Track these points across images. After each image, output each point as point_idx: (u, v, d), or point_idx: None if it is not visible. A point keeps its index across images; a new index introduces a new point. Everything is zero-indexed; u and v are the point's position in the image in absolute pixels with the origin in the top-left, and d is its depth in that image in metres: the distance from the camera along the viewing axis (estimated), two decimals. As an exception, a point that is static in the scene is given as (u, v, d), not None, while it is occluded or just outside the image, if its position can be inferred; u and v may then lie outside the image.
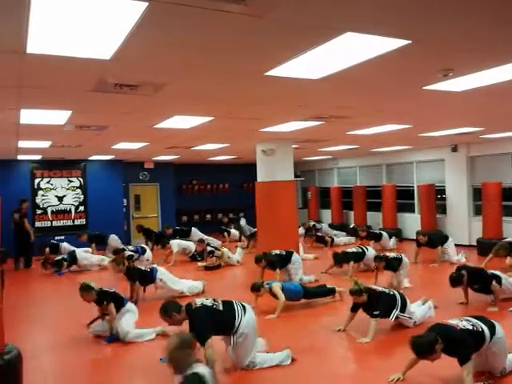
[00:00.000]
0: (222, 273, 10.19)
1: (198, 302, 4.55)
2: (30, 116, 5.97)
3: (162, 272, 7.58)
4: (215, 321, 4.42)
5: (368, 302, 5.48)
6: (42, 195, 13.27)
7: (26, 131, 7.31)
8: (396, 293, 5.75)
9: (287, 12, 2.75)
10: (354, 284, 5.60)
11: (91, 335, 5.79)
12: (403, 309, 5.61)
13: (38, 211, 13.18)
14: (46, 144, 9.21)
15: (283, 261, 8.25)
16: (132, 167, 14.89)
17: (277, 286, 6.56)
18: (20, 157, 12.02)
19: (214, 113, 6.29)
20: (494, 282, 6.38)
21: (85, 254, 10.89)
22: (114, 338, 5.60)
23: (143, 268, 7.66)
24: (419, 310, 5.86)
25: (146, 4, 2.58)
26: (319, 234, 13.99)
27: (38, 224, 12.96)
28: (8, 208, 10.36)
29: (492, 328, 4.06)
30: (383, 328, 5.62)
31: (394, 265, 7.72)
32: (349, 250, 9.51)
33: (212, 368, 4.02)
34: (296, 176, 11.48)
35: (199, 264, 10.60)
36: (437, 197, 13.22)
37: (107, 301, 5.68)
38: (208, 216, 17.56)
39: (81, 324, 6.30)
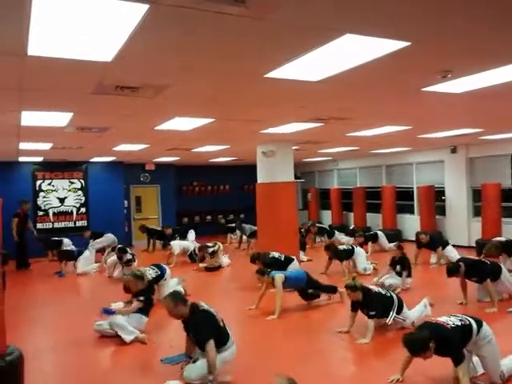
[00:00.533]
0: (221, 273, 10.22)
1: (205, 305, 4.48)
2: (31, 118, 6.00)
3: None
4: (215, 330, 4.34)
5: (363, 301, 5.50)
6: (44, 197, 13.30)
7: (27, 133, 7.34)
8: (393, 294, 5.78)
9: (287, 14, 2.78)
10: (351, 280, 5.67)
11: (97, 334, 5.81)
12: (399, 310, 5.63)
13: (40, 213, 13.21)
14: (47, 146, 9.24)
15: (280, 265, 7.72)
16: (133, 169, 14.93)
17: (279, 278, 6.58)
18: (21, 158, 12.05)
19: (215, 115, 6.32)
20: (488, 280, 6.47)
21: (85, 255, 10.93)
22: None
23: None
24: (415, 311, 5.88)
25: (146, 6, 2.61)
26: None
27: (39, 226, 12.99)
28: (9, 210, 10.40)
29: (479, 322, 4.03)
30: (381, 328, 5.64)
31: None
32: (340, 247, 9.67)
33: (212, 372, 4.06)
34: (296, 177, 11.51)
35: (200, 265, 10.61)
36: (437, 198, 13.25)
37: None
38: (208, 217, 17.58)
39: (82, 325, 6.34)
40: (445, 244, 9.91)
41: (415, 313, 5.83)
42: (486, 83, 4.76)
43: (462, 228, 12.65)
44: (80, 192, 13.73)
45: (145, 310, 5.85)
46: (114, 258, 9.80)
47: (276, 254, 8.06)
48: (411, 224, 13.95)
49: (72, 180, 13.65)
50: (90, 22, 2.85)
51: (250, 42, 3.32)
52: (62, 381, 4.79)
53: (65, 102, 5.17)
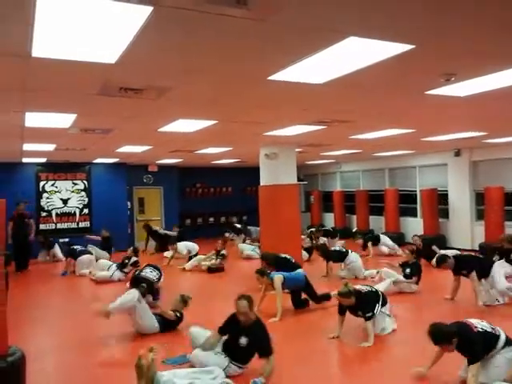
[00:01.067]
0: (224, 275, 10.21)
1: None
2: (34, 119, 6.01)
3: None
4: None
5: (356, 304, 5.46)
6: (47, 198, 13.33)
7: (30, 134, 7.36)
8: (378, 289, 5.88)
9: (290, 16, 2.78)
10: (343, 286, 5.58)
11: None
12: (384, 304, 5.69)
13: (43, 214, 13.25)
14: (50, 147, 9.26)
15: (290, 267, 7.74)
16: (136, 170, 14.95)
17: (278, 279, 6.58)
18: (25, 159, 12.09)
19: (218, 117, 6.32)
20: (473, 273, 6.58)
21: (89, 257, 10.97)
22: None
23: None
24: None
25: (150, 8, 2.62)
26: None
27: (42, 226, 13.02)
28: (13, 210, 10.45)
29: (509, 341, 4.08)
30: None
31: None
32: (332, 248, 9.73)
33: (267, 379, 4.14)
34: (299, 180, 11.51)
35: (203, 263, 10.64)
36: (440, 201, 13.22)
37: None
38: (211, 219, 17.59)
39: (84, 326, 6.35)
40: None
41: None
42: (490, 86, 4.75)
43: (465, 231, 12.61)
44: (83, 193, 13.76)
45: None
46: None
47: (288, 256, 8.11)
48: (414, 227, 13.90)
49: (75, 181, 13.68)
50: (94, 23, 2.86)
51: (253, 44, 3.32)
52: (64, 382, 4.79)
53: (68, 103, 5.18)
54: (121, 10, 2.65)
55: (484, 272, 6.69)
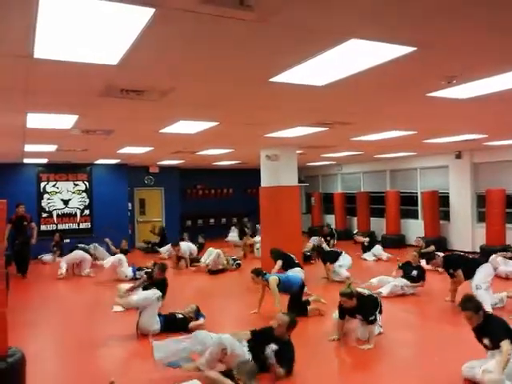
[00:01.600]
0: (225, 277, 10.21)
1: None
2: (36, 120, 6.02)
3: None
4: None
5: (357, 307, 5.43)
6: (48, 199, 13.35)
7: (32, 135, 7.37)
8: (377, 296, 5.91)
9: (292, 18, 2.78)
10: (346, 286, 5.58)
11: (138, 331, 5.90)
12: (380, 312, 5.72)
13: (44, 214, 13.26)
14: (52, 148, 9.27)
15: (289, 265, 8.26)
16: (137, 171, 14.97)
17: (273, 281, 6.59)
18: (26, 160, 12.10)
19: (219, 118, 6.32)
20: (459, 270, 6.79)
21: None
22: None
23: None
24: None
25: (152, 10, 2.63)
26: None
27: (43, 227, 13.03)
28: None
29: None
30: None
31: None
32: (327, 249, 9.95)
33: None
34: (300, 181, 11.51)
35: (202, 260, 10.73)
36: (441, 203, 13.21)
37: None
38: (212, 220, 17.59)
39: (84, 327, 6.35)
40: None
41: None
42: (491, 89, 4.74)
43: (466, 234, 12.60)
44: (84, 194, 13.78)
45: None
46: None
47: (291, 254, 8.49)
48: (415, 229, 13.90)
49: (76, 182, 13.70)
50: (96, 25, 2.87)
51: (254, 46, 3.32)
52: (64, 383, 4.80)
53: (70, 104, 5.19)
54: (123, 12, 2.65)
55: (468, 272, 6.75)
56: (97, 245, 11.69)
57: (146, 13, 2.66)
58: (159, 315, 6.01)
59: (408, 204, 14.59)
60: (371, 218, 15.58)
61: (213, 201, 17.65)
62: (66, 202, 13.55)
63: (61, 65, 3.58)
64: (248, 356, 4.47)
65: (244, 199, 17.61)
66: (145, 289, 6.50)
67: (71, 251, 10.74)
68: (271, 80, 4.19)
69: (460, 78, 4.27)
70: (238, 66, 3.80)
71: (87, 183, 13.82)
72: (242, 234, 14.47)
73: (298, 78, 4.17)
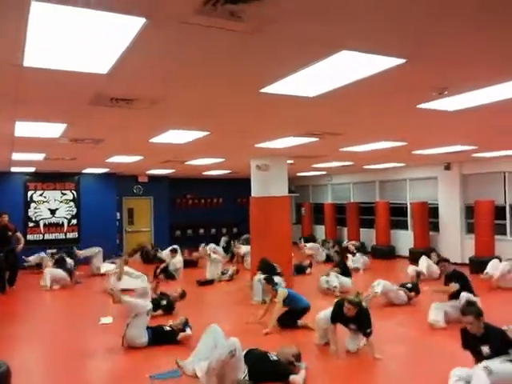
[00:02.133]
0: (214, 288, 10.12)
1: None
2: (24, 128, 5.95)
3: None
4: None
5: (356, 317, 5.44)
6: (35, 208, 13.19)
7: (20, 143, 7.28)
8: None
9: (283, 29, 2.77)
10: (355, 295, 5.66)
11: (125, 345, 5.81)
12: None
13: (31, 224, 13.09)
14: (40, 156, 9.17)
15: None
16: (126, 180, 14.86)
17: (282, 293, 6.61)
18: (13, 169, 11.97)
19: (209, 128, 6.30)
20: (457, 284, 6.74)
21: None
22: None
23: None
24: None
25: (143, 20, 2.60)
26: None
27: (29, 237, 12.84)
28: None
29: None
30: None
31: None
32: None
33: None
34: (290, 191, 11.51)
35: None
36: (430, 214, 13.28)
37: None
38: (201, 230, 17.50)
39: (71, 340, 6.24)
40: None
41: None
42: (481, 101, 4.78)
43: (455, 245, 12.66)
44: (72, 203, 13.63)
45: None
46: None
47: (276, 265, 8.59)
48: (405, 240, 13.95)
49: (64, 191, 13.55)
50: (87, 34, 2.84)
51: (245, 57, 3.31)
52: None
53: (59, 113, 5.14)
54: (113, 21, 2.62)
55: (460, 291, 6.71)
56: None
57: (137, 22, 2.63)
58: (147, 328, 5.92)
59: (398, 215, 14.65)
60: (361, 229, 15.60)
61: (202, 210, 17.58)
62: (53, 212, 13.39)
63: (50, 73, 3.55)
64: (244, 368, 4.41)
65: (234, 209, 17.57)
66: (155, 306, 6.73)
67: (56, 262, 10.61)
68: (262, 90, 4.19)
69: (450, 89, 4.29)
70: (228, 76, 3.79)
71: (75, 192, 13.68)
72: (228, 247, 14.46)
73: (289, 89, 4.17)
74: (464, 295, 6.54)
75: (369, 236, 15.10)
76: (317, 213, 17.99)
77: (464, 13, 2.57)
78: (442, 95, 4.44)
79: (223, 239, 16.11)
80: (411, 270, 9.85)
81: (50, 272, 10.21)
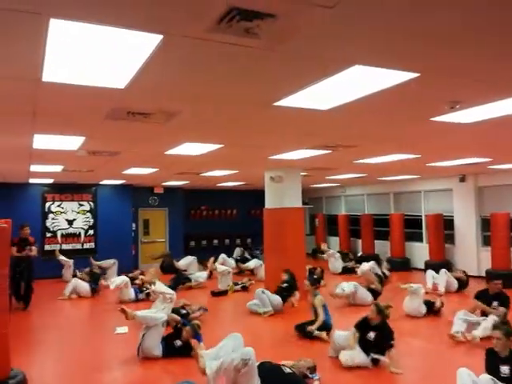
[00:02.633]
0: (229, 299, 10.14)
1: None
2: (43, 141, 6.07)
3: None
4: None
5: (378, 326, 5.50)
6: (53, 218, 13.39)
7: (38, 155, 7.44)
8: None
9: (298, 46, 2.83)
10: (386, 306, 5.80)
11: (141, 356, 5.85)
12: None
13: (48, 234, 13.28)
14: (57, 168, 9.34)
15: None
16: (142, 192, 15.02)
17: (321, 299, 6.72)
18: (32, 180, 12.18)
19: (224, 141, 6.38)
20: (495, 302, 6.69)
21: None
22: None
23: None
24: None
25: (160, 37, 2.69)
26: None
27: (47, 247, 13.04)
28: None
29: None
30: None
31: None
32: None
33: None
34: (304, 203, 11.52)
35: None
36: (446, 226, 13.15)
37: None
38: (215, 241, 17.55)
39: (88, 350, 6.30)
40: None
41: None
42: (495, 114, 4.77)
43: (472, 257, 12.50)
44: (89, 214, 13.81)
45: None
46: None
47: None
48: (420, 252, 13.83)
49: (81, 202, 13.75)
50: (105, 50, 2.92)
51: (260, 72, 3.37)
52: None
53: (77, 126, 5.25)
54: (131, 38, 2.70)
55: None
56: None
57: (154, 39, 2.71)
58: (162, 339, 5.95)
59: (412, 227, 14.53)
60: (375, 241, 15.51)
61: (217, 222, 17.64)
62: (70, 222, 13.58)
63: (69, 88, 3.64)
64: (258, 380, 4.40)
65: (248, 220, 17.60)
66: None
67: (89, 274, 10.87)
68: (275, 104, 4.24)
69: (463, 103, 4.30)
70: (243, 90, 3.86)
71: (92, 203, 13.87)
72: (242, 260, 14.53)
73: (302, 103, 4.22)
74: (493, 318, 6.40)
75: (383, 248, 15.00)
76: (330, 224, 17.93)
77: (477, 27, 2.60)
78: (455, 109, 4.45)
79: (237, 250, 16.17)
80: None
81: (75, 283, 10.34)
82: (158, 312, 6.26)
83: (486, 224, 12.19)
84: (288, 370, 4.58)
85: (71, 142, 6.19)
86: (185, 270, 12.52)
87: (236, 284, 10.89)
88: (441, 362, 5.70)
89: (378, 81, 3.60)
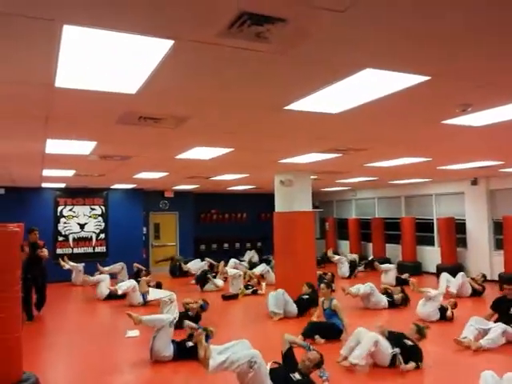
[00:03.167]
0: (239, 302, 10.15)
1: None
2: (55, 146, 6.14)
3: None
4: None
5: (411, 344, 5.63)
6: (65, 222, 13.51)
7: (51, 160, 7.52)
8: None
9: (309, 49, 2.83)
10: (425, 327, 5.92)
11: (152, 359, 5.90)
12: None
13: (60, 238, 13.40)
14: (70, 173, 9.43)
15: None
16: (152, 196, 15.11)
17: (338, 303, 6.84)
18: (44, 185, 12.31)
19: (234, 145, 6.39)
20: None
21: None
22: None
23: None
24: None
25: (171, 42, 2.71)
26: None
27: (59, 251, 13.15)
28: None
29: None
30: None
31: None
32: None
33: None
34: (314, 207, 11.48)
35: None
36: (458, 230, 13.05)
37: None
38: (226, 245, 17.57)
39: (98, 352, 6.33)
40: None
41: None
42: (506, 117, 4.74)
43: (484, 261, 12.39)
44: (100, 218, 13.92)
45: None
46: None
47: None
48: (431, 256, 13.73)
49: (93, 206, 13.86)
50: (117, 56, 2.95)
51: (270, 76, 3.38)
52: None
53: (89, 131, 5.30)
54: (142, 43, 2.73)
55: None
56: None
57: (165, 44, 2.73)
58: (172, 342, 5.98)
59: (424, 230, 14.43)
60: (387, 245, 15.42)
61: (227, 225, 17.67)
62: (82, 226, 13.70)
63: (81, 93, 3.68)
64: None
65: (258, 224, 17.61)
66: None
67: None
68: (286, 108, 4.25)
69: (475, 106, 4.28)
70: (253, 94, 3.86)
71: (103, 207, 13.98)
72: (255, 263, 14.52)
73: (313, 106, 4.22)
74: (502, 326, 6.38)
75: (394, 252, 14.91)
76: (341, 228, 17.87)
77: (488, 29, 2.59)
78: (466, 112, 4.42)
79: (248, 253, 16.20)
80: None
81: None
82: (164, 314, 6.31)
83: (498, 227, 12.08)
84: (297, 377, 4.54)
85: (83, 147, 6.25)
86: (193, 274, 12.60)
87: (247, 288, 10.89)
88: (459, 368, 5.65)
89: (388, 84, 3.59)
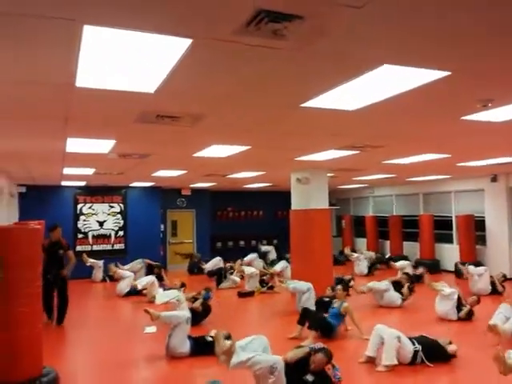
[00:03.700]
0: (254, 300, 10.18)
1: None
2: (75, 145, 6.23)
3: None
4: None
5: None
6: (84, 220, 13.71)
7: (71, 159, 7.63)
8: None
9: (326, 46, 2.83)
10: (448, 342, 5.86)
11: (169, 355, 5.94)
12: None
13: (80, 235, 13.61)
14: (89, 171, 9.56)
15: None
16: (170, 194, 15.22)
17: (348, 305, 6.87)
18: (64, 183, 12.50)
19: (251, 142, 6.41)
20: None
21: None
22: None
23: None
24: None
25: (190, 41, 2.73)
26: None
27: (78, 248, 13.34)
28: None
29: None
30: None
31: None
32: None
33: None
34: (331, 204, 11.45)
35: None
36: (478, 227, 12.88)
37: None
38: (242, 242, 17.61)
39: (117, 348, 6.41)
40: None
41: None
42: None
43: (504, 258, 12.21)
44: (119, 216, 14.09)
45: None
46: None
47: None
48: (450, 254, 13.58)
49: (112, 204, 14.04)
50: (136, 55, 2.99)
51: (287, 73, 3.39)
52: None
53: (108, 130, 5.37)
54: (161, 42, 2.76)
55: None
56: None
57: (184, 43, 2.76)
58: (189, 338, 6.03)
59: (442, 228, 14.27)
60: (404, 242, 15.30)
61: (243, 223, 17.71)
62: (101, 224, 13.89)
63: (101, 93, 3.73)
64: None
65: (274, 222, 17.60)
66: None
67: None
68: (303, 105, 4.25)
69: (495, 102, 4.22)
70: (270, 92, 3.87)
71: (122, 205, 14.14)
72: (273, 260, 14.56)
73: (330, 103, 4.20)
74: None
75: (412, 249, 14.78)
76: (358, 225, 17.77)
77: (509, 26, 2.56)
78: (487, 107, 4.36)
79: (264, 248, 16.27)
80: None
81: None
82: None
83: (518, 225, 11.90)
84: (311, 379, 4.51)
85: (102, 145, 6.33)
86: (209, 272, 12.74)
87: (262, 285, 10.91)
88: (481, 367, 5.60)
89: (407, 80, 3.56)
